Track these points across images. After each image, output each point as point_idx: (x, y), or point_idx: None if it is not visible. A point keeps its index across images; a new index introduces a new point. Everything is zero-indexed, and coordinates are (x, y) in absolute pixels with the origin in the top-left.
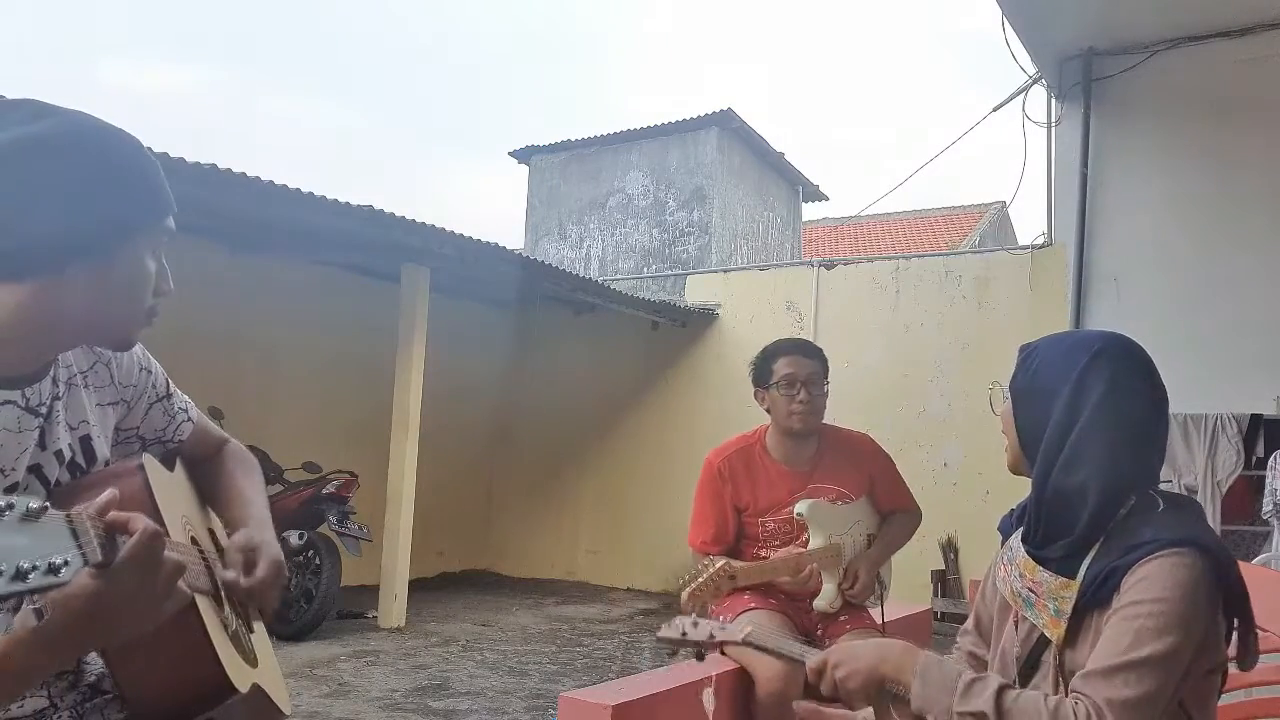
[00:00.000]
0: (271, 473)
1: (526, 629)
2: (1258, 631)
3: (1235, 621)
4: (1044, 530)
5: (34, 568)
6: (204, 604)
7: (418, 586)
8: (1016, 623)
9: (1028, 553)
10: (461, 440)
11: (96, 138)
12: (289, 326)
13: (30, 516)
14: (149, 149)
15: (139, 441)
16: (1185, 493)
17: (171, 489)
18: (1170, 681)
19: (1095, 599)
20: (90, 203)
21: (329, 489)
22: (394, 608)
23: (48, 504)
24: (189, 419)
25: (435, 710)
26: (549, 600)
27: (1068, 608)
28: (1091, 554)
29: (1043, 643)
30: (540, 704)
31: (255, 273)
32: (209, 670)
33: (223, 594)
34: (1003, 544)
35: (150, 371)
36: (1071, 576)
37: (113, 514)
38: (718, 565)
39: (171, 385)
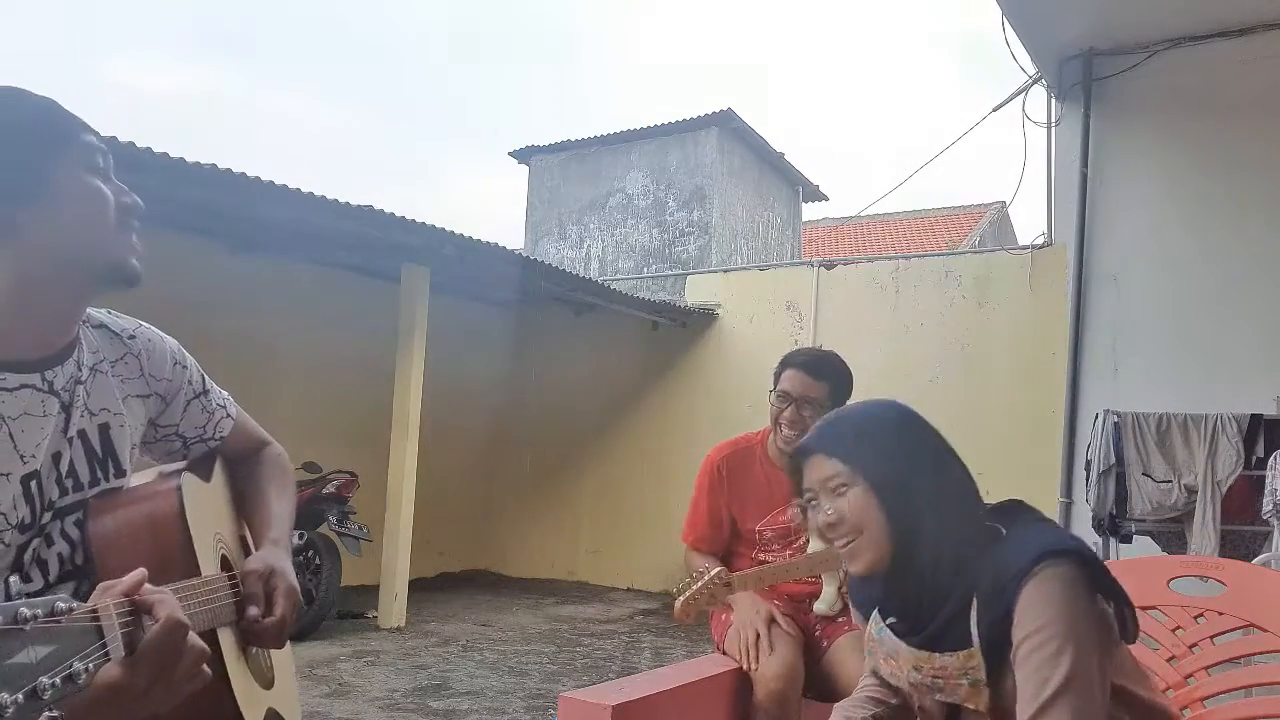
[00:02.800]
0: None
1: (526, 629)
2: (1133, 605)
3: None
4: (920, 614)
5: (53, 684)
6: (226, 634)
7: (418, 586)
8: (923, 707)
9: (910, 645)
10: (461, 440)
11: None
12: (289, 326)
13: (55, 617)
14: (34, 92)
15: (180, 440)
16: (1185, 493)
17: (207, 504)
18: (1093, 690)
19: (999, 652)
20: (3, 148)
21: (329, 489)
22: (394, 608)
23: (73, 604)
24: (228, 415)
25: (435, 710)
26: (549, 600)
27: (981, 674)
28: (974, 613)
29: (956, 707)
30: (540, 704)
31: (255, 273)
32: (226, 712)
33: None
34: (864, 619)
35: (185, 367)
36: (968, 645)
37: (140, 595)
38: (713, 573)
39: (208, 381)
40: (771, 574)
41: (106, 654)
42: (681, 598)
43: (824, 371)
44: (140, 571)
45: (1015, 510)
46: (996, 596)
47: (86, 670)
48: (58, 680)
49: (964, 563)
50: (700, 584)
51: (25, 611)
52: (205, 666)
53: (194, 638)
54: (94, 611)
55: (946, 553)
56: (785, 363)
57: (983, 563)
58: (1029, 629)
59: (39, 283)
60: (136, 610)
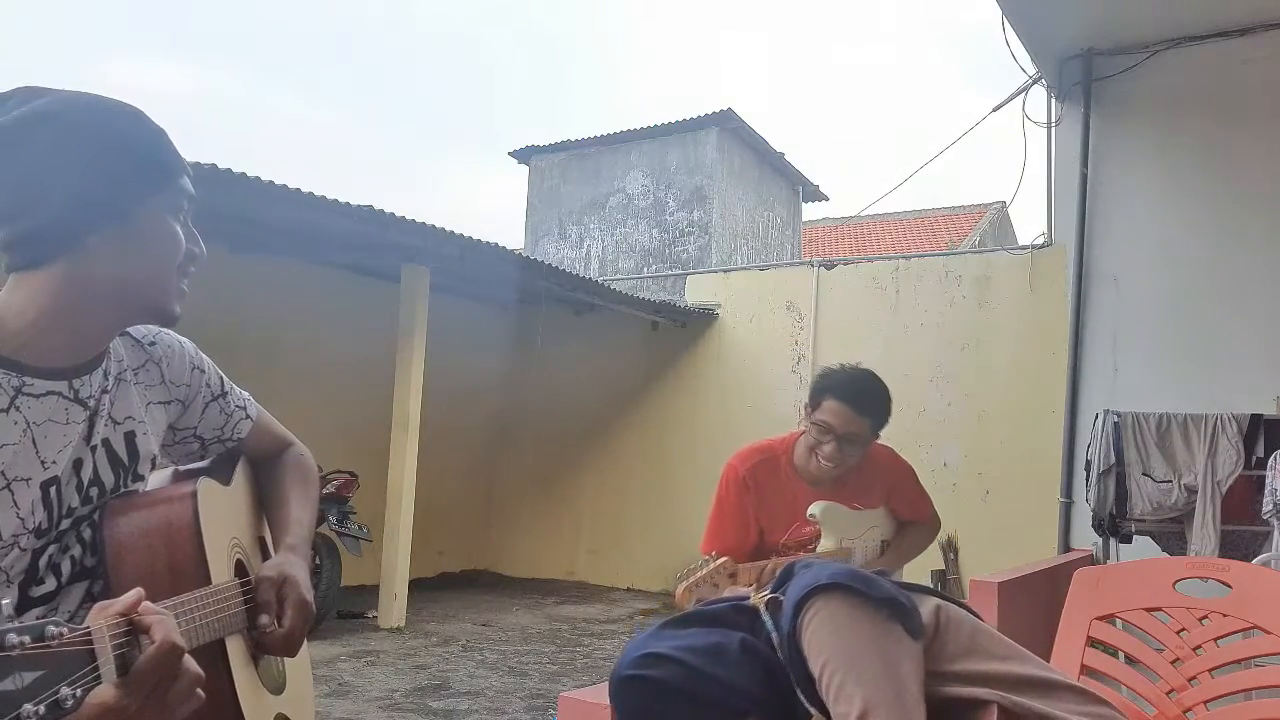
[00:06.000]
0: None
1: (526, 629)
2: (907, 599)
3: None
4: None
5: (36, 712)
6: (234, 642)
7: (418, 586)
8: None
9: None
10: (461, 440)
11: (94, 107)
12: (289, 326)
13: (45, 642)
14: (151, 118)
15: (198, 441)
16: (1185, 493)
17: (224, 509)
18: (898, 699)
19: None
20: (98, 169)
21: (329, 489)
22: (394, 608)
23: (64, 628)
24: (247, 416)
25: (435, 710)
26: (549, 600)
27: None
28: (796, 687)
29: None
30: (540, 704)
31: (255, 273)
32: (228, 717)
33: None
34: None
35: (203, 371)
36: (809, 716)
37: (137, 615)
38: (719, 562)
39: (227, 383)
40: (776, 568)
41: (98, 676)
42: (684, 583)
43: (868, 407)
44: (137, 591)
45: (789, 573)
46: (793, 662)
47: (74, 696)
48: (42, 708)
49: (772, 664)
50: (704, 571)
51: (12, 638)
52: (199, 690)
53: (189, 661)
54: (86, 633)
55: (763, 685)
56: (828, 389)
57: (777, 634)
58: (818, 677)
59: (82, 303)
60: (134, 630)
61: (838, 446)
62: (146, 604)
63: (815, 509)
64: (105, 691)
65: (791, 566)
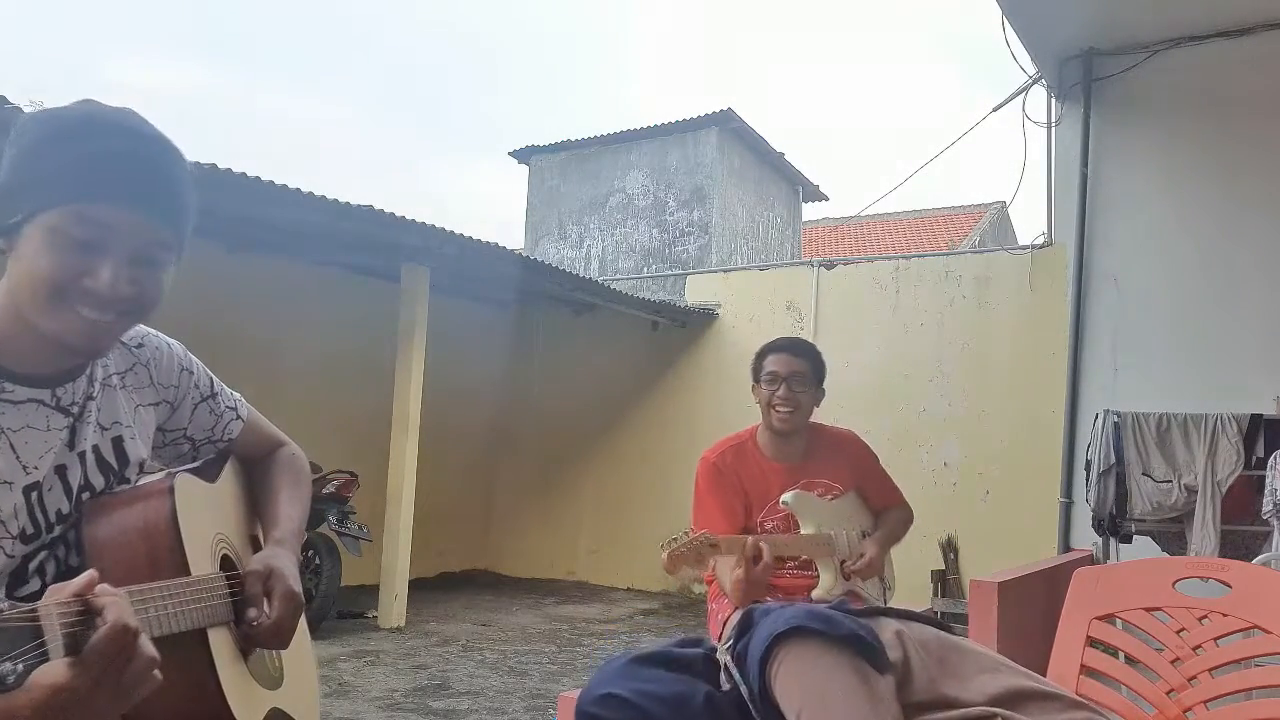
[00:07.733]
0: None
1: (526, 629)
2: (869, 634)
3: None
4: None
5: None
6: (219, 634)
7: (418, 586)
8: None
9: None
10: (461, 440)
11: (54, 115)
12: (289, 326)
13: None
14: (105, 137)
15: (189, 443)
16: (1185, 493)
17: (207, 505)
18: None
19: None
20: (11, 175)
21: (329, 489)
22: (394, 608)
23: (5, 603)
24: (238, 417)
25: (435, 710)
26: (549, 600)
27: None
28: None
29: None
30: (540, 704)
31: (255, 273)
32: (216, 712)
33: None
34: None
35: (191, 372)
36: None
37: (90, 596)
38: (699, 534)
39: (217, 384)
40: (758, 543)
41: (44, 654)
42: (667, 551)
43: (803, 350)
44: (91, 573)
45: (749, 621)
46: (763, 709)
47: (16, 671)
48: None
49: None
50: (686, 542)
51: None
52: (156, 672)
53: (145, 643)
54: (33, 611)
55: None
56: (765, 350)
57: (746, 689)
58: (792, 715)
59: (16, 312)
60: (88, 611)
61: (788, 388)
62: (103, 586)
63: (788, 497)
64: (55, 670)
65: (751, 613)
